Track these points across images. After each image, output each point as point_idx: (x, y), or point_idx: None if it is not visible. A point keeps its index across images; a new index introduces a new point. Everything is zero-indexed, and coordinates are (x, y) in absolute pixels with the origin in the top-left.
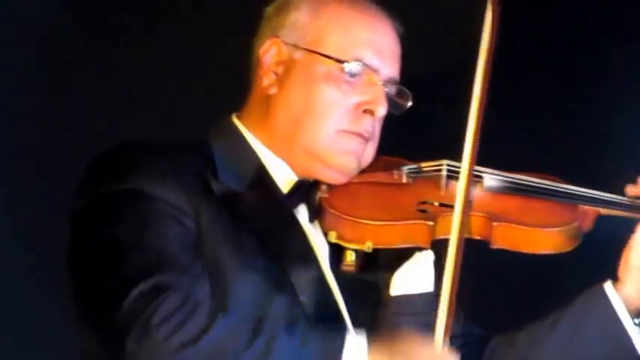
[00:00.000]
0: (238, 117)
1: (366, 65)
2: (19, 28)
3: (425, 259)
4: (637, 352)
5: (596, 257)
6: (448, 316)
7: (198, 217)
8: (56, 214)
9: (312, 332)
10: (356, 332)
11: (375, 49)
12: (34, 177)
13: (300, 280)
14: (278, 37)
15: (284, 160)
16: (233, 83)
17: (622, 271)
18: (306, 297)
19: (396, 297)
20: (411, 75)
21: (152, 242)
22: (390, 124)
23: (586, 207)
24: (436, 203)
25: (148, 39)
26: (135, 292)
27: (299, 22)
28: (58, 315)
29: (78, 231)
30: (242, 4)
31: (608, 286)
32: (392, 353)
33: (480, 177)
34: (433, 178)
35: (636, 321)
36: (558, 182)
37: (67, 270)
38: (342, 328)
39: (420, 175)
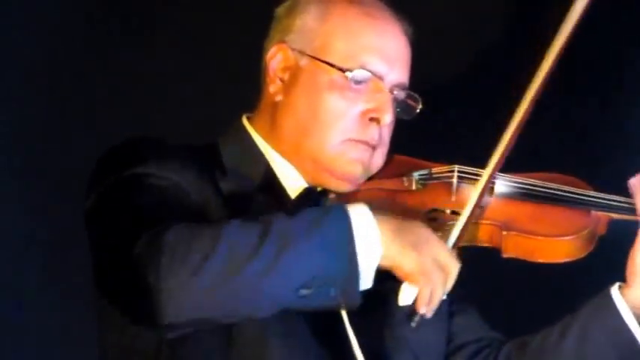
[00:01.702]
0: (249, 119)
1: (371, 72)
2: (19, 28)
3: None
4: None
5: (608, 258)
6: (463, 228)
7: (206, 211)
8: (57, 215)
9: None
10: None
11: (382, 55)
12: (34, 177)
13: None
14: (285, 42)
15: (293, 166)
16: (237, 86)
17: (629, 274)
18: None
19: (404, 307)
20: (421, 78)
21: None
22: (401, 126)
23: (599, 212)
24: (447, 211)
25: (149, 39)
26: (144, 236)
27: (306, 27)
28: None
29: (93, 226)
30: (246, 4)
31: (614, 290)
32: (400, 227)
33: (493, 182)
34: (444, 184)
35: None
36: (574, 182)
37: (93, 268)
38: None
39: (430, 180)
